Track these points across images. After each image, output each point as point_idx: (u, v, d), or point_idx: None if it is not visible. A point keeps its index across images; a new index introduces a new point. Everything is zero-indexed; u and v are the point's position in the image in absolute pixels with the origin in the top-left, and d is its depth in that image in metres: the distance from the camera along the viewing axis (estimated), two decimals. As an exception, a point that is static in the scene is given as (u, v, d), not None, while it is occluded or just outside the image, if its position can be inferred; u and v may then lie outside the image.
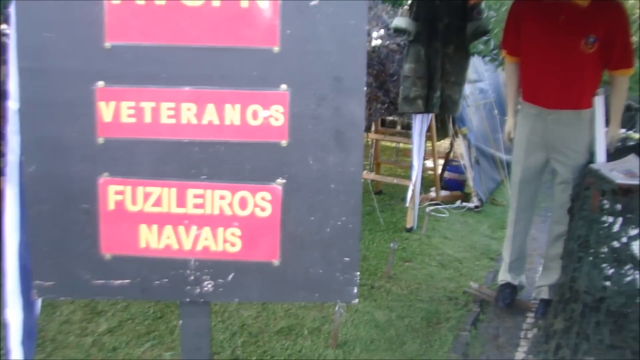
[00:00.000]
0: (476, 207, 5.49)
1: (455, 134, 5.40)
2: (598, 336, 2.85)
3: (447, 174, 5.88)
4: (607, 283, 2.87)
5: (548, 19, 3.15)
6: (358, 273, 1.40)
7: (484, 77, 6.07)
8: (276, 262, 1.37)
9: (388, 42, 4.79)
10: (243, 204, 1.33)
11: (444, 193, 5.64)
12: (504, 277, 3.66)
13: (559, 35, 3.11)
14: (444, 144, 6.03)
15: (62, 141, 1.30)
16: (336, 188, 1.34)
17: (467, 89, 5.13)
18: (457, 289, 3.80)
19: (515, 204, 3.57)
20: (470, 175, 5.53)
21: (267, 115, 1.29)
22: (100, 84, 1.27)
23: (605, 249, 2.90)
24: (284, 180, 1.33)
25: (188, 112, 1.28)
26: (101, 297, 1.44)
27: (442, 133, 5.31)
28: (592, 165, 3.10)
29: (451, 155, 6.05)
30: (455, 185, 5.82)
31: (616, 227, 2.85)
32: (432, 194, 5.56)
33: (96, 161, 1.30)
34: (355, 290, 1.40)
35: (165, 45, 1.26)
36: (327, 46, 1.28)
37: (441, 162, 5.87)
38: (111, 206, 1.32)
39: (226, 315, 3.30)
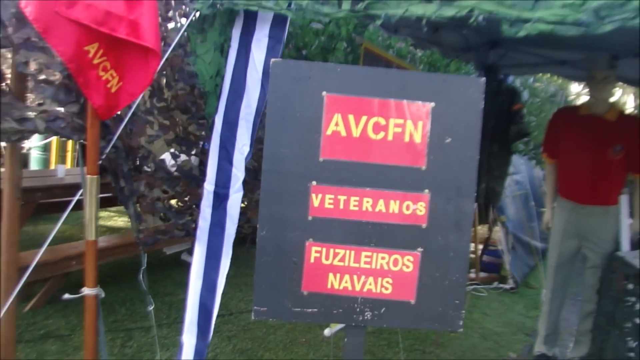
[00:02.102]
0: (512, 288, 6.39)
1: (494, 222, 6.36)
2: (624, 401, 3.67)
3: (485, 257, 6.81)
4: (632, 354, 3.73)
5: (582, 130, 4.14)
6: (464, 311, 2.31)
7: (520, 170, 7.11)
8: (412, 301, 2.29)
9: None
10: (395, 263, 2.27)
11: (482, 274, 6.57)
12: (539, 348, 4.52)
13: (591, 143, 4.09)
14: (483, 229, 6.99)
15: (285, 217, 2.24)
16: (453, 255, 2.28)
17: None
18: (497, 358, 4.64)
19: (551, 284, 4.46)
20: (507, 259, 6.47)
21: (415, 208, 2.25)
22: (314, 183, 2.23)
23: (630, 325, 3.77)
24: (422, 249, 2.26)
25: (367, 204, 2.24)
26: (297, 320, 2.35)
27: (482, 220, 6.26)
28: (618, 253, 4.02)
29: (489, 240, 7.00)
30: (492, 267, 6.74)
31: (638, 306, 3.73)
32: (472, 275, 6.47)
33: (305, 231, 2.25)
34: (461, 322, 2.32)
35: (357, 161, 2.22)
36: (454, 167, 2.25)
37: (481, 246, 6.83)
38: (312, 260, 2.26)
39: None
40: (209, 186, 2.74)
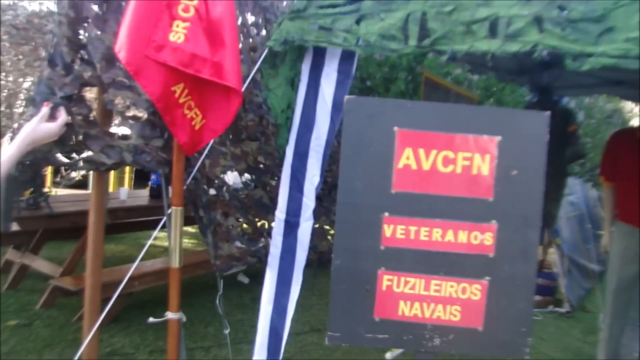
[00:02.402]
0: (567, 312, 6.42)
1: (549, 244, 6.40)
2: None
3: (540, 280, 6.85)
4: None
5: (640, 152, 4.20)
6: (529, 339, 2.43)
7: (575, 190, 7.14)
8: (480, 329, 2.41)
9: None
10: (464, 291, 2.40)
11: (537, 298, 6.59)
12: (599, 376, 4.56)
13: (650, 165, 4.14)
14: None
15: (359, 247, 2.40)
16: (519, 284, 2.40)
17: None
18: (556, 384, 4.69)
19: (610, 309, 4.50)
20: (562, 282, 6.49)
21: (483, 238, 2.38)
22: (386, 214, 2.39)
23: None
24: (489, 278, 2.39)
25: (436, 234, 2.38)
26: (369, 345, 2.50)
27: (537, 241, 6.33)
28: (680, 278, 4.05)
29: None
30: (547, 291, 6.77)
31: (701, 333, 3.77)
32: (526, 297, 6.52)
33: (378, 260, 2.40)
34: (527, 350, 2.43)
35: (427, 193, 2.37)
36: (520, 198, 2.38)
37: (535, 268, 6.87)
38: (383, 288, 2.41)
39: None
40: (280, 214, 2.92)
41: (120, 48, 2.25)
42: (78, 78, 2.58)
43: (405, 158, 2.38)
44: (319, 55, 2.84)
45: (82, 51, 2.66)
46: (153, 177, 6.47)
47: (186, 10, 2.30)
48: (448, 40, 2.50)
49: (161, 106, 2.35)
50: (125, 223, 5.92)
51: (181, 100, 2.39)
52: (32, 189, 5.52)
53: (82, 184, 7.72)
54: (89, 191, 8.32)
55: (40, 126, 2.34)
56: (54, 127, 2.38)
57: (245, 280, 6.13)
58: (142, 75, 2.28)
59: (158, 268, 5.38)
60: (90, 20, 2.63)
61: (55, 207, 5.45)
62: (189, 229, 6.80)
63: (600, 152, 4.70)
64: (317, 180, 2.87)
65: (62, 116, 2.42)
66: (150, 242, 2.77)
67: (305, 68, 2.88)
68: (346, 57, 2.80)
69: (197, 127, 2.48)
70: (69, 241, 6.16)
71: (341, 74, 2.81)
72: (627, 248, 4.34)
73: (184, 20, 2.30)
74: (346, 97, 2.42)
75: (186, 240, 8.17)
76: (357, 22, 2.67)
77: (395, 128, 2.37)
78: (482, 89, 6.82)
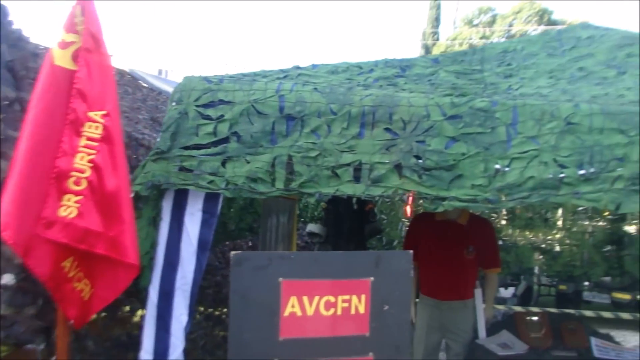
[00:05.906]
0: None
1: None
2: None
3: None
4: None
5: (439, 234, 4.89)
6: None
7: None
8: None
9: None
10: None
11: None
12: None
13: (448, 246, 4.84)
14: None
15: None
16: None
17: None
18: None
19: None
20: None
21: (360, 367, 2.73)
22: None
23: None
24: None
25: (321, 375, 2.68)
26: None
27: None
28: (477, 341, 4.81)
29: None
30: None
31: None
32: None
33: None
34: None
35: (312, 337, 2.64)
36: (392, 330, 2.74)
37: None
38: None
39: None
40: (146, 355, 2.97)
41: (6, 227, 2.20)
42: None
43: (291, 306, 2.63)
44: (181, 194, 2.97)
45: None
46: None
47: (78, 183, 2.33)
48: (314, 184, 2.82)
49: (52, 285, 2.33)
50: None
51: (71, 274, 2.39)
52: None
53: None
54: None
55: None
56: None
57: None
58: (31, 255, 2.25)
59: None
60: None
61: None
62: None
63: (395, 227, 5.34)
64: (185, 319, 2.98)
65: None
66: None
67: (167, 206, 2.98)
68: (211, 196, 2.96)
69: (86, 298, 2.48)
70: None
71: (206, 213, 2.96)
72: (431, 319, 4.97)
73: (77, 193, 2.32)
74: (232, 252, 2.61)
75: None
76: (223, 164, 2.88)
77: (280, 279, 2.62)
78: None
